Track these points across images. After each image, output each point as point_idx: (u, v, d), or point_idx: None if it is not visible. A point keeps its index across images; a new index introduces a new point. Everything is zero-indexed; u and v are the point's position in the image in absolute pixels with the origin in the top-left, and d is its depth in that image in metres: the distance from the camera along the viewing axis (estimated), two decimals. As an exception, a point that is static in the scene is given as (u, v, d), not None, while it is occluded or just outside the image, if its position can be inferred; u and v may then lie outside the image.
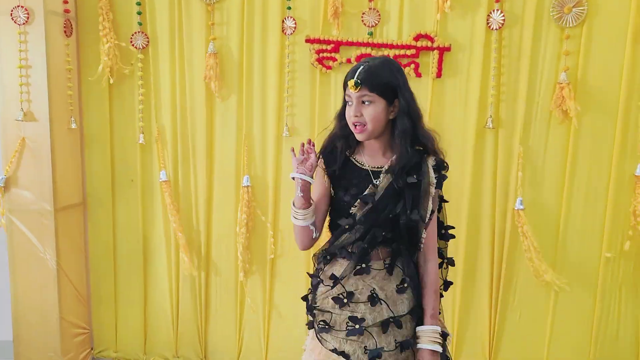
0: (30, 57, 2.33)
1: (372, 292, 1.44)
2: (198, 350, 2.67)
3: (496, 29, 2.23)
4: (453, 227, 1.59)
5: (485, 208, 2.36)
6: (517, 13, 2.23)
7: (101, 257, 2.67)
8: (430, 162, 1.44)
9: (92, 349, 2.74)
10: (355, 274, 1.45)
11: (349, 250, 1.46)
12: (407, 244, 1.45)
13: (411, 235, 1.44)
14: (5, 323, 2.53)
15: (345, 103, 1.46)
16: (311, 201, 1.44)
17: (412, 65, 2.28)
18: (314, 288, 1.54)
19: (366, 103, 1.38)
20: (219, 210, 2.55)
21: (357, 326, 1.42)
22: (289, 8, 2.34)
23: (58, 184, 2.41)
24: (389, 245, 1.45)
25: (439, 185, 1.45)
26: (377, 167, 1.46)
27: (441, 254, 1.55)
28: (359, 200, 1.43)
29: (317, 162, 1.45)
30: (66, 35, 2.42)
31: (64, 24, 2.41)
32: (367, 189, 1.43)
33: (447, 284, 1.59)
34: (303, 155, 1.42)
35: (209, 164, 2.52)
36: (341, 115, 1.48)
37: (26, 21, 2.29)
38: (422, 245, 1.45)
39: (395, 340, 1.44)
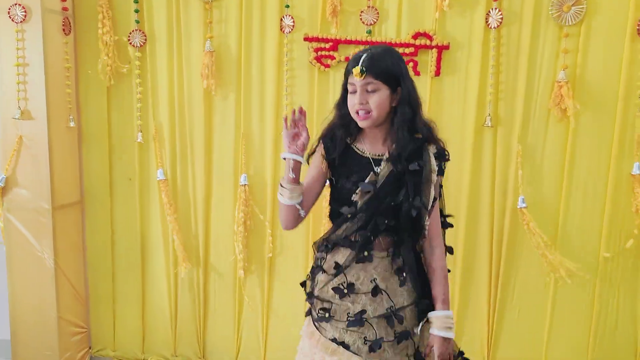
0: (27, 55, 2.32)
1: (374, 281, 1.45)
2: (196, 349, 2.66)
3: (495, 27, 2.23)
4: (451, 216, 1.60)
5: (484, 206, 2.36)
6: (515, 11, 2.23)
7: (99, 255, 2.66)
8: (432, 149, 1.45)
9: (90, 348, 2.74)
10: (357, 262, 1.45)
11: (352, 239, 1.45)
12: (409, 233, 1.44)
13: (414, 224, 1.43)
14: (2, 322, 2.53)
15: (344, 92, 1.46)
16: (299, 181, 1.44)
17: (411, 64, 2.28)
18: (313, 275, 1.54)
19: (370, 91, 1.39)
20: (217, 209, 2.55)
21: (357, 317, 1.42)
22: (287, 6, 2.33)
23: (55, 183, 2.41)
24: (391, 235, 1.45)
25: (440, 172, 1.46)
26: (378, 155, 1.47)
27: None
28: (360, 188, 1.43)
29: (316, 147, 1.48)
30: (64, 33, 2.42)
31: (63, 22, 2.40)
32: (369, 177, 1.43)
33: None
34: (295, 128, 1.39)
35: (207, 162, 2.51)
36: (340, 104, 1.49)
37: (23, 19, 2.28)
38: (425, 232, 1.45)
39: (395, 331, 1.44)
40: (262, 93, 2.43)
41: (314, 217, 2.44)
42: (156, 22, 2.45)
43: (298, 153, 1.39)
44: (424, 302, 1.47)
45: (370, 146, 1.49)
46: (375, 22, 2.30)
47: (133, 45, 2.45)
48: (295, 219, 1.47)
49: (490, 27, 2.23)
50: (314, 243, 1.56)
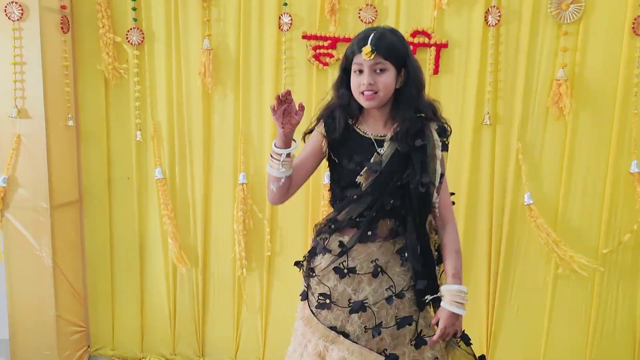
0: (25, 54, 2.31)
1: (375, 261, 1.45)
2: (195, 347, 2.66)
3: (493, 25, 2.22)
4: (453, 194, 1.59)
5: (483, 204, 2.36)
6: (514, 9, 2.22)
7: (98, 254, 2.66)
8: (433, 126, 1.45)
9: (88, 346, 2.73)
10: (360, 242, 1.44)
11: (357, 220, 1.45)
12: (415, 213, 1.43)
13: (422, 201, 1.42)
14: (1, 321, 2.52)
15: (343, 72, 1.45)
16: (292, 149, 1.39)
17: (410, 62, 2.28)
18: (312, 256, 1.52)
19: (378, 71, 1.38)
20: (216, 208, 2.54)
21: (359, 303, 1.43)
22: (285, 4, 2.33)
23: (54, 182, 2.40)
24: (395, 215, 1.45)
25: (444, 148, 1.45)
26: (380, 136, 1.46)
27: None
28: (365, 168, 1.42)
29: (315, 125, 1.49)
30: (63, 31, 2.41)
31: (61, 20, 2.39)
32: (373, 157, 1.43)
33: None
34: (282, 104, 1.31)
35: (206, 161, 2.51)
36: (338, 85, 1.48)
37: (20, 17, 2.27)
38: (437, 211, 1.46)
39: (396, 317, 1.45)
40: (260, 91, 2.42)
41: (312, 216, 2.44)
42: (154, 20, 2.44)
43: (291, 130, 1.35)
44: (422, 283, 1.46)
45: (372, 127, 1.48)
46: (373, 20, 2.29)
47: (131, 44, 2.44)
48: (283, 193, 1.45)
49: (489, 25, 2.23)
50: (316, 225, 1.54)
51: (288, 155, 1.38)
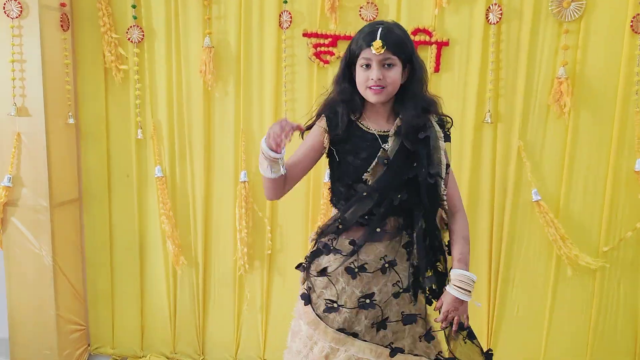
0: (24, 52, 2.29)
1: (384, 258, 1.44)
2: (196, 346, 2.66)
3: (494, 23, 2.22)
4: None
5: (484, 203, 2.36)
6: (515, 7, 2.22)
7: (97, 253, 2.65)
8: (433, 119, 1.46)
9: (88, 345, 2.73)
10: (369, 240, 1.43)
11: (365, 217, 1.43)
12: (425, 207, 1.43)
13: (431, 195, 1.43)
14: (1, 320, 2.51)
15: (346, 66, 1.44)
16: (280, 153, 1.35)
17: (410, 60, 2.27)
18: (314, 257, 1.49)
19: (387, 66, 1.37)
20: (217, 206, 2.54)
21: (367, 301, 1.42)
22: (285, 2, 2.32)
23: (54, 180, 2.39)
24: (402, 213, 1.45)
25: (447, 139, 1.46)
26: (384, 132, 1.45)
27: None
28: (373, 164, 1.40)
29: (315, 121, 1.46)
30: (63, 29, 2.40)
31: (61, 18, 2.38)
32: (379, 153, 1.41)
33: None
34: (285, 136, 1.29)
35: (207, 159, 2.50)
36: (340, 79, 1.46)
37: (19, 15, 2.26)
38: (445, 203, 1.46)
39: (402, 312, 1.46)
40: (261, 89, 2.41)
41: (312, 214, 2.44)
42: (154, 18, 2.43)
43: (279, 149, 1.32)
44: (430, 280, 1.48)
45: (375, 122, 1.47)
46: (374, 18, 2.29)
47: (131, 41, 2.43)
48: (279, 190, 1.43)
49: (490, 23, 2.22)
50: (321, 225, 1.52)
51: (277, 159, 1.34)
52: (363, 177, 1.42)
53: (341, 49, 2.32)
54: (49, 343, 2.48)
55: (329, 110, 1.48)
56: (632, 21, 2.15)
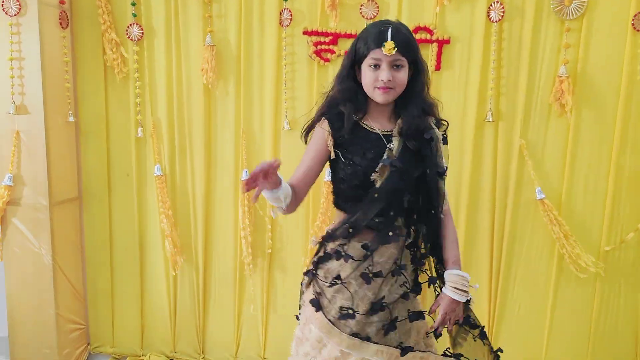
0: (23, 49, 2.29)
1: (396, 261, 1.44)
2: (196, 345, 2.65)
3: (496, 21, 2.21)
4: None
5: (485, 201, 2.34)
6: (517, 5, 2.20)
7: (97, 252, 2.64)
8: (431, 121, 1.47)
9: (88, 344, 2.73)
10: (383, 243, 1.42)
11: (376, 220, 1.40)
12: (432, 206, 1.45)
13: (436, 194, 1.44)
14: (0, 319, 2.51)
15: (351, 64, 1.42)
16: (281, 182, 1.32)
17: (411, 58, 2.26)
18: (323, 262, 1.46)
19: (396, 67, 1.37)
20: (217, 205, 2.53)
21: (379, 304, 1.42)
22: (286, 0, 2.31)
23: (53, 178, 2.39)
24: (408, 213, 1.45)
25: (444, 141, 1.47)
26: (387, 131, 1.44)
27: None
28: (380, 165, 1.38)
29: (315, 122, 1.44)
30: (62, 26, 2.38)
31: (60, 15, 2.37)
32: (386, 153, 1.40)
33: None
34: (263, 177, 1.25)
35: (207, 158, 2.49)
36: (344, 78, 1.44)
37: (18, 12, 2.25)
38: (446, 202, 1.48)
39: (409, 310, 1.47)
40: (261, 88, 2.40)
41: (313, 212, 2.43)
42: (154, 16, 2.42)
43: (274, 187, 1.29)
44: (434, 279, 1.51)
45: (378, 122, 1.46)
46: (375, 16, 2.28)
47: (131, 39, 2.42)
48: (291, 206, 1.41)
49: (492, 21, 2.21)
50: (328, 230, 1.48)
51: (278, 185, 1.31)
52: (371, 177, 1.40)
53: (342, 47, 2.31)
54: (49, 342, 2.47)
55: (330, 111, 1.46)
56: (633, 19, 2.14)
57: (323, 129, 1.44)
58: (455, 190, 2.33)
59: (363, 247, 1.42)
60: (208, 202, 2.54)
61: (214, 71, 2.36)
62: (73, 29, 2.48)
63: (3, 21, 2.26)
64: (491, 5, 2.20)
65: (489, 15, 2.21)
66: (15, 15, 2.25)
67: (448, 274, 1.46)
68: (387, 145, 1.41)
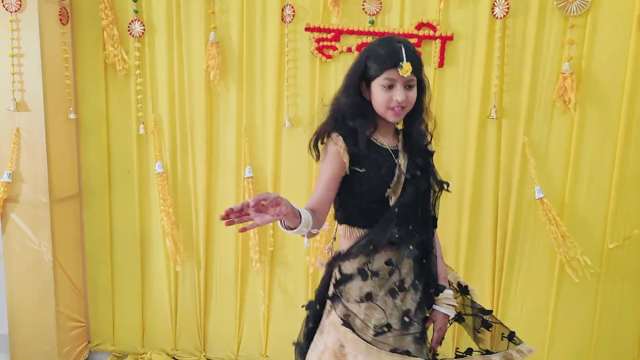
0: (23, 46, 2.27)
1: (416, 274, 1.46)
2: (197, 343, 2.65)
3: (501, 18, 2.19)
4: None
5: (488, 199, 2.33)
6: (522, 1, 2.18)
7: (98, 249, 2.63)
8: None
9: (89, 342, 2.72)
10: (407, 257, 1.43)
11: (397, 235, 1.39)
12: (434, 219, 1.50)
13: (432, 208, 1.49)
14: (0, 317, 2.50)
15: (359, 80, 1.40)
16: (299, 212, 1.25)
17: (414, 55, 2.25)
18: (345, 281, 1.43)
19: (408, 87, 1.38)
20: (219, 202, 2.52)
21: (407, 318, 1.43)
22: (288, -5, 2.30)
23: (53, 176, 2.38)
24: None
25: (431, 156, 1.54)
26: (394, 147, 1.46)
27: None
28: (395, 179, 1.40)
29: (325, 138, 1.42)
30: (62, 23, 2.37)
31: (60, 11, 2.35)
32: (397, 169, 1.41)
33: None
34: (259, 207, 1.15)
35: (208, 155, 2.48)
36: (353, 93, 1.42)
37: (18, 8, 2.24)
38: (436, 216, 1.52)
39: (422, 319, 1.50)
40: (263, 84, 2.39)
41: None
42: (155, 12, 2.40)
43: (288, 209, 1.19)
44: (444, 289, 1.54)
45: (385, 138, 1.46)
46: (378, 12, 2.26)
47: (132, 36, 2.41)
48: (317, 228, 1.35)
49: (497, 18, 2.19)
50: (344, 250, 1.45)
51: (298, 219, 1.24)
52: (386, 194, 1.40)
53: (344, 43, 2.29)
54: (49, 340, 2.46)
55: (342, 126, 1.42)
56: (639, 16, 2.12)
57: (338, 146, 1.40)
58: (459, 188, 2.31)
59: (387, 263, 1.41)
60: (209, 200, 2.52)
61: (219, 68, 2.35)
62: (73, 26, 2.47)
63: (3, 17, 2.24)
64: (495, 1, 2.18)
65: (493, 12, 2.19)
66: (15, 11, 2.23)
67: (443, 293, 1.52)
68: (397, 161, 1.43)
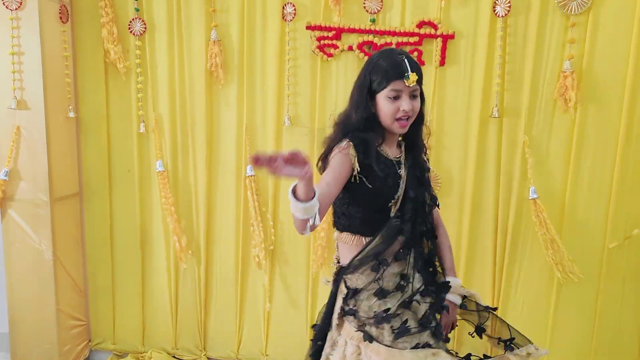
0: (23, 44, 2.27)
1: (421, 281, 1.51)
2: (197, 342, 2.64)
3: (502, 16, 2.19)
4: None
5: (488, 198, 2.33)
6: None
7: (98, 248, 2.63)
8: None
9: (89, 341, 2.72)
10: (415, 268, 1.50)
11: (401, 251, 1.46)
12: (429, 224, 1.56)
13: (429, 219, 1.56)
14: (1, 315, 2.50)
15: (364, 94, 1.43)
16: (314, 189, 1.24)
17: (415, 53, 2.24)
18: (353, 295, 1.46)
19: (413, 97, 1.43)
20: (219, 201, 2.52)
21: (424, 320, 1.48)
22: (289, -6, 2.29)
23: (54, 174, 2.37)
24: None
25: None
26: (397, 157, 1.51)
27: None
28: (401, 190, 1.45)
29: (336, 146, 1.42)
30: (62, 21, 2.37)
31: (60, 9, 2.35)
32: (401, 180, 1.47)
33: None
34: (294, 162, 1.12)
35: (209, 153, 2.48)
36: (360, 107, 1.44)
37: (19, 7, 2.23)
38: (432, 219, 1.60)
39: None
40: (264, 83, 2.39)
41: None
42: (156, 10, 2.40)
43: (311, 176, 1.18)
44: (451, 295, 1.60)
45: (389, 149, 1.51)
46: (379, 11, 2.26)
47: (133, 34, 2.40)
48: (313, 227, 1.36)
49: (498, 16, 2.19)
50: (354, 263, 1.47)
51: (312, 196, 1.23)
52: (389, 204, 1.45)
53: (345, 41, 2.29)
54: (50, 338, 2.46)
55: (353, 136, 1.43)
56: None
57: (349, 154, 1.40)
58: (459, 186, 2.31)
59: (400, 278, 1.46)
60: (210, 199, 2.52)
61: (222, 67, 2.34)
62: (73, 24, 2.46)
63: (3, 16, 2.24)
64: (497, 0, 2.18)
65: (494, 10, 2.19)
66: (15, 9, 2.23)
67: (453, 282, 1.58)
68: (398, 172, 1.48)
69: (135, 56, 2.42)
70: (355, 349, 1.46)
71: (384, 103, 1.41)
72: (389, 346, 1.40)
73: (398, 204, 1.46)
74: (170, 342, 2.66)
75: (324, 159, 1.47)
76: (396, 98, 1.40)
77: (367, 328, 1.44)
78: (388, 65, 1.39)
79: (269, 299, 2.55)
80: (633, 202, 2.26)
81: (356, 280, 1.48)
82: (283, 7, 2.31)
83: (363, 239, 1.48)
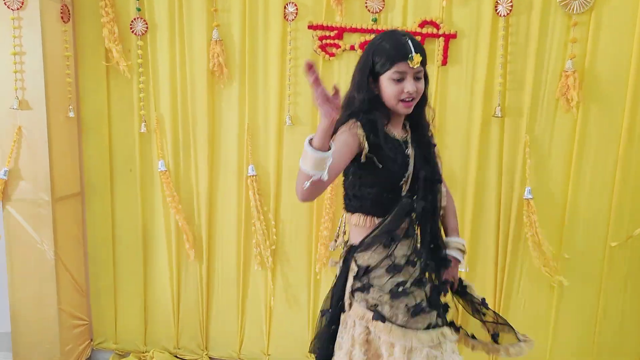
0: (24, 44, 2.27)
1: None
2: (199, 341, 2.65)
3: (504, 16, 2.18)
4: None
5: (490, 197, 2.33)
6: (525, -1, 2.18)
7: (100, 247, 2.63)
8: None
9: (91, 340, 2.72)
10: (424, 244, 1.50)
11: (410, 227, 1.47)
12: (437, 211, 1.56)
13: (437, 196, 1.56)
14: (3, 315, 2.49)
15: (367, 76, 1.43)
16: (330, 145, 1.21)
17: (417, 53, 2.24)
18: (366, 273, 1.45)
19: (416, 78, 1.42)
20: (221, 201, 2.51)
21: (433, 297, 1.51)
22: (291, -7, 2.29)
23: (55, 174, 2.37)
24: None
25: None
26: (403, 137, 1.51)
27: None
28: (410, 170, 1.45)
29: (343, 124, 1.43)
30: (63, 21, 2.36)
31: (61, 9, 2.35)
32: (410, 159, 1.47)
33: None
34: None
35: (211, 153, 2.48)
36: (366, 88, 1.44)
37: (20, 6, 2.23)
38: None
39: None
40: (266, 82, 2.38)
41: (317, 209, 2.41)
42: (157, 10, 2.39)
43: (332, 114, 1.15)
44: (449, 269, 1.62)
45: (395, 129, 1.51)
46: (381, 10, 2.25)
47: (135, 34, 2.40)
48: (318, 190, 1.29)
49: (500, 15, 2.19)
50: (363, 239, 1.48)
51: (328, 149, 1.20)
52: (400, 183, 1.44)
53: (347, 41, 2.29)
54: (51, 338, 2.46)
55: (360, 116, 1.43)
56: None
57: (357, 134, 1.40)
58: (462, 185, 2.31)
59: (408, 258, 1.46)
60: (212, 198, 2.52)
61: (224, 67, 2.34)
62: (74, 24, 2.46)
63: (5, 15, 2.23)
64: (498, -1, 2.18)
65: (496, 10, 2.19)
66: (17, 9, 2.23)
67: (455, 240, 1.62)
68: (406, 152, 1.48)
69: (137, 56, 2.42)
70: (364, 329, 1.44)
71: (387, 84, 1.41)
72: (402, 326, 1.39)
73: (409, 182, 1.45)
74: (172, 341, 2.66)
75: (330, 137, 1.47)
76: (400, 80, 1.39)
77: (379, 308, 1.42)
78: (391, 46, 1.38)
79: (272, 299, 2.55)
80: (635, 201, 2.26)
81: (368, 258, 1.47)
82: (285, 7, 2.30)
83: (375, 219, 1.48)
